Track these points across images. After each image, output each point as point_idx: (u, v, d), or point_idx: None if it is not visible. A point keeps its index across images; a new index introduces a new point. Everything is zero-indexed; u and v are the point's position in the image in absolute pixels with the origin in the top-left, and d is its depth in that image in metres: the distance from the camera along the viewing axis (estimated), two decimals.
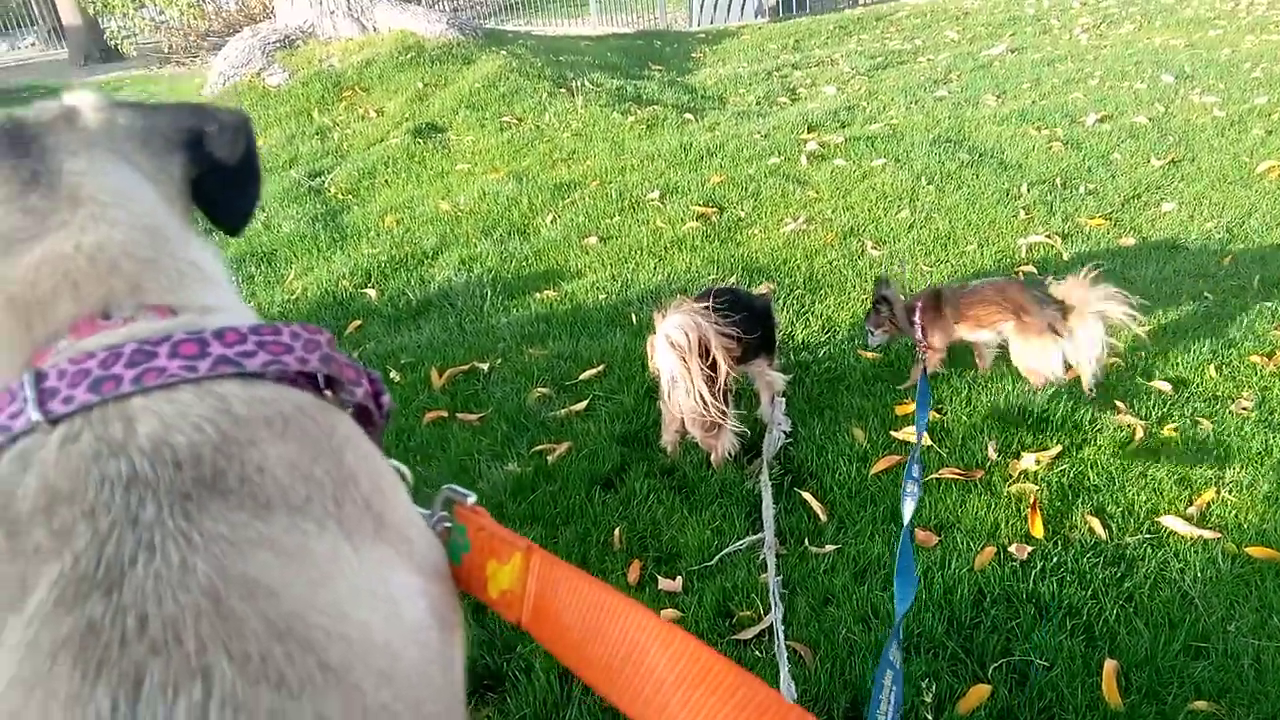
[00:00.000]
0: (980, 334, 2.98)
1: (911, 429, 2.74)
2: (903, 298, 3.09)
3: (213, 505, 0.65)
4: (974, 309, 2.94)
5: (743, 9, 11.73)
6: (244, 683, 0.57)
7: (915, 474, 2.24)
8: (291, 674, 0.59)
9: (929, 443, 2.68)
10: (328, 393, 0.82)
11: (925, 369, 2.85)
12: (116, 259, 0.80)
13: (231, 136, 0.97)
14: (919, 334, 2.98)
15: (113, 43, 14.50)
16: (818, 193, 4.96)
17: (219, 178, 0.97)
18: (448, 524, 0.93)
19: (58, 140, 0.87)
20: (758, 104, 7.08)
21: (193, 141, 0.95)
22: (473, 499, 0.94)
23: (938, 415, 2.84)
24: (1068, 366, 2.80)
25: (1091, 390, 2.81)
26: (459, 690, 0.72)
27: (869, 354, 3.22)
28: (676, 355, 2.43)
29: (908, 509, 2.13)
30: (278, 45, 8.56)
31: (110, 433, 0.68)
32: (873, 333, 3.12)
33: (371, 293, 4.28)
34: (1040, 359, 2.81)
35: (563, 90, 7.29)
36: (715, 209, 4.86)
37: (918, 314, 2.99)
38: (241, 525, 0.65)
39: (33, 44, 19.97)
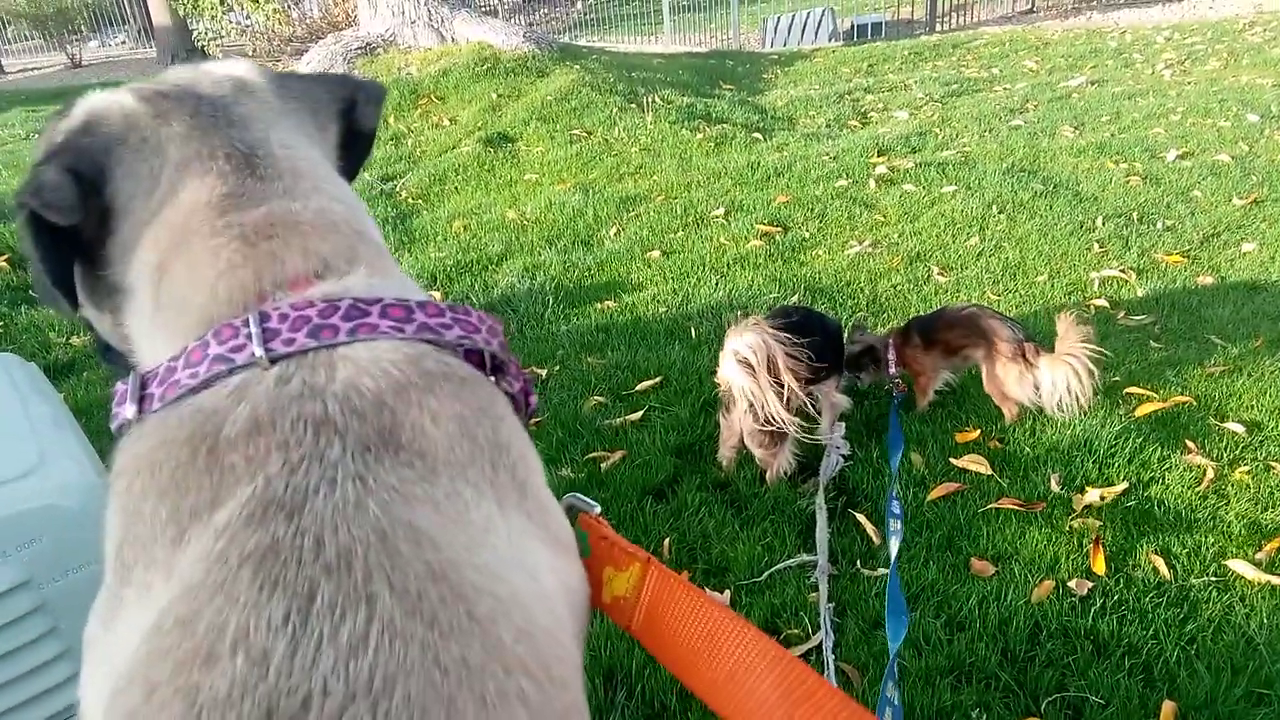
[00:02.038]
0: (952, 361, 2.98)
1: (971, 456, 2.70)
2: (872, 335, 3.12)
3: (386, 459, 0.70)
4: (944, 332, 2.94)
5: (817, 32, 11.73)
6: (402, 613, 0.61)
7: (896, 510, 2.23)
8: (444, 615, 0.62)
9: (988, 472, 2.64)
10: (492, 378, 0.87)
11: (897, 409, 2.87)
12: (337, 223, 0.85)
13: (375, 109, 1.03)
14: (892, 367, 3.00)
15: (200, 44, 15.01)
16: (885, 216, 4.92)
17: (349, 142, 1.03)
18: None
19: (248, 111, 0.91)
20: (827, 126, 7.06)
21: (346, 110, 1.01)
22: (598, 510, 0.97)
23: (999, 445, 2.79)
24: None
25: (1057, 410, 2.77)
26: (579, 661, 0.75)
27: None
28: (744, 372, 2.45)
29: (894, 546, 2.12)
30: (359, 52, 8.80)
31: (315, 377, 0.73)
32: (858, 377, 3.11)
33: (437, 295, 4.36)
34: (1010, 385, 2.79)
35: (633, 106, 7.36)
36: (780, 228, 4.86)
37: (891, 347, 3.00)
38: (409, 481, 0.70)
39: (123, 42, 20.82)
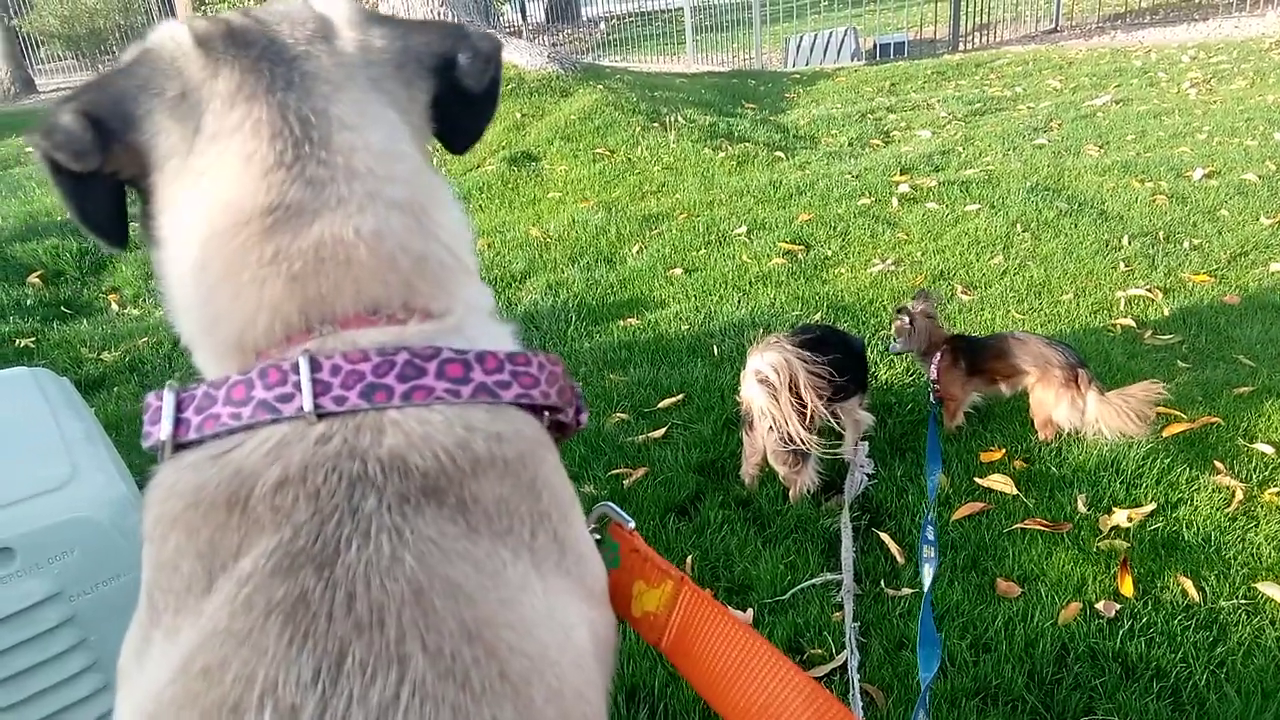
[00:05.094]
0: (995, 388, 2.97)
1: (996, 476, 2.69)
2: (932, 320, 3.05)
3: (428, 511, 0.68)
4: (991, 363, 2.92)
5: (839, 51, 11.76)
6: (434, 676, 0.60)
7: (930, 537, 2.21)
8: (476, 676, 0.61)
9: (1014, 491, 2.62)
10: (545, 413, 0.84)
11: (935, 420, 2.84)
12: (393, 253, 0.78)
13: (483, 66, 0.89)
14: (933, 375, 2.96)
15: None
16: (908, 235, 4.91)
17: (459, 100, 0.90)
18: (597, 538, 0.96)
19: (318, 68, 0.81)
20: (850, 145, 7.07)
21: (444, 67, 0.88)
22: (632, 524, 0.97)
23: (1025, 465, 2.77)
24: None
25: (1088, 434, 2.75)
26: (604, 712, 0.75)
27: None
28: (765, 391, 2.45)
29: (927, 575, 2.10)
30: None
31: (359, 440, 0.70)
32: (895, 340, 3.10)
33: None
34: (1059, 411, 2.77)
35: (656, 125, 7.41)
36: (802, 246, 4.86)
37: (935, 364, 2.97)
38: (450, 536, 0.68)
39: None
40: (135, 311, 4.95)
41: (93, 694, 1.62)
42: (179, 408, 0.74)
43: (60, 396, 2.04)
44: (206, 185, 0.76)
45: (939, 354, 2.97)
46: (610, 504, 0.97)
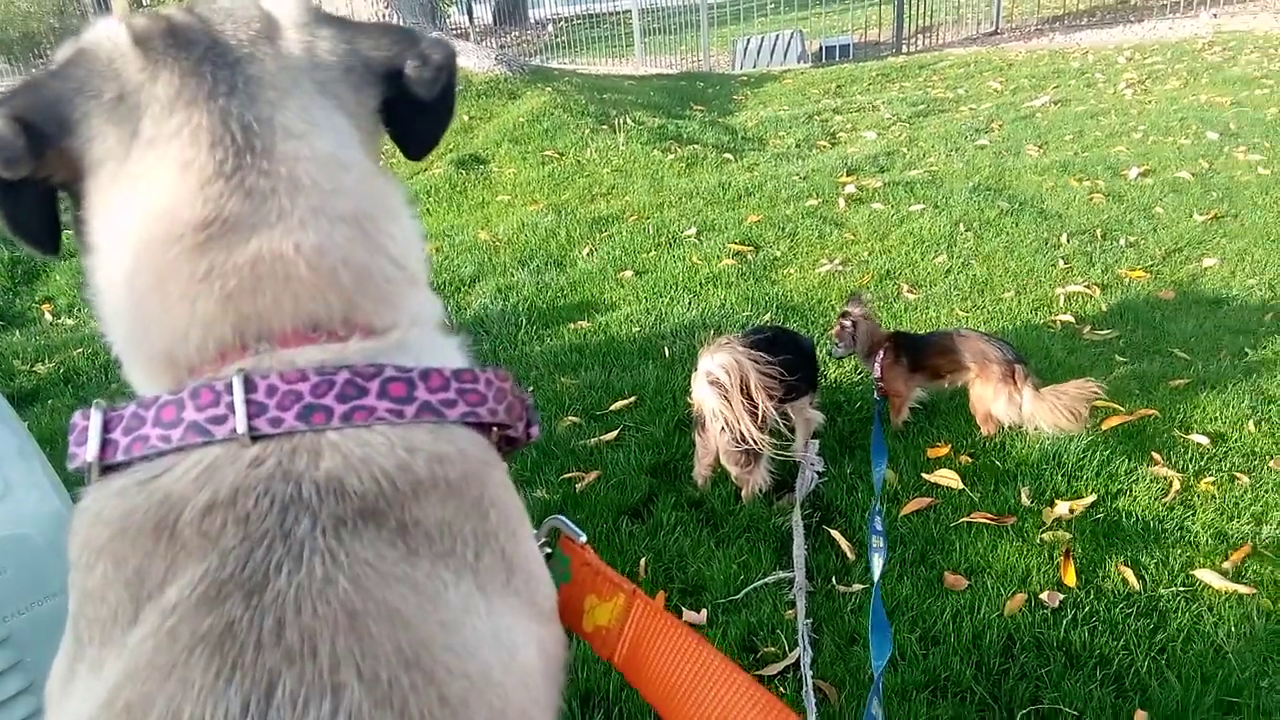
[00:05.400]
0: (937, 384, 3.03)
1: (943, 471, 2.73)
2: (871, 321, 3.11)
3: (366, 533, 0.66)
4: (933, 359, 2.98)
5: (785, 54, 11.86)
6: (371, 704, 0.58)
7: (879, 527, 2.24)
8: (414, 703, 0.60)
9: (960, 486, 2.66)
10: (494, 430, 0.82)
11: (880, 421, 2.88)
12: (335, 268, 0.75)
13: (433, 75, 0.84)
14: (877, 373, 3.01)
15: None
16: (855, 235, 4.97)
17: (412, 106, 0.86)
18: (548, 551, 0.95)
19: (262, 71, 0.77)
20: (797, 146, 7.14)
21: (393, 73, 0.84)
22: (584, 539, 0.95)
23: (970, 459, 2.82)
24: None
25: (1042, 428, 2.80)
26: None
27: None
28: (717, 393, 2.46)
29: (877, 565, 2.13)
30: None
31: (294, 463, 0.68)
32: (837, 344, 3.13)
33: None
34: (997, 405, 2.82)
35: (605, 127, 7.40)
36: (751, 248, 4.89)
37: (879, 360, 3.01)
38: (389, 560, 0.66)
39: None
40: (70, 322, 4.81)
41: (29, 717, 1.57)
42: (106, 428, 0.71)
43: None
44: (142, 192, 0.74)
45: (881, 352, 3.01)
46: (561, 517, 0.96)
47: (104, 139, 0.74)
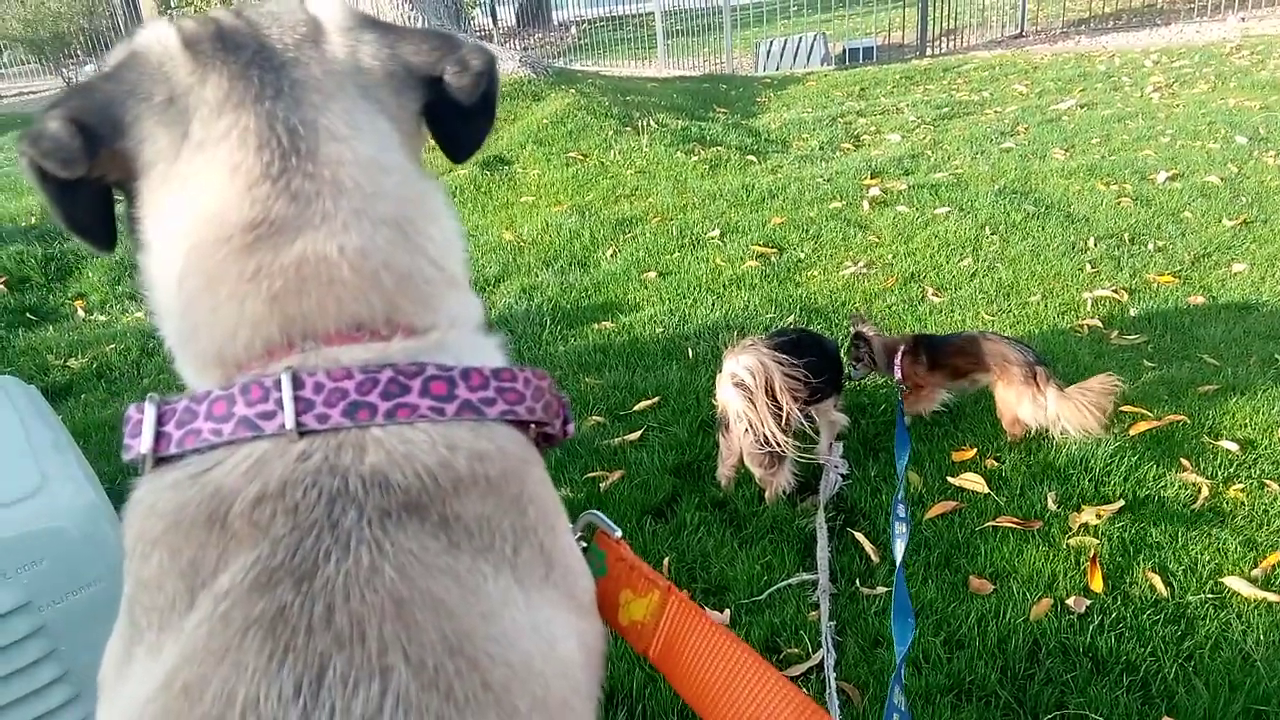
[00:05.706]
0: (957, 384, 3.01)
1: (968, 475, 2.72)
2: (881, 335, 3.11)
3: (410, 526, 0.68)
4: (952, 358, 2.96)
5: (809, 56, 11.84)
6: (418, 687, 0.60)
7: (901, 513, 2.24)
8: (459, 688, 0.62)
9: (985, 490, 2.65)
10: (532, 426, 0.84)
11: (903, 412, 2.88)
12: (377, 271, 0.76)
13: (472, 81, 0.85)
14: (898, 375, 3.00)
15: None
16: (879, 238, 4.96)
17: (453, 111, 0.88)
18: (584, 545, 0.96)
19: (307, 75, 0.79)
20: (821, 149, 7.13)
21: (433, 79, 0.85)
22: (619, 533, 0.97)
23: (996, 463, 2.81)
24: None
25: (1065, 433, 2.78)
26: (593, 718, 0.75)
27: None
28: (742, 395, 2.46)
29: (899, 549, 2.13)
30: None
31: (340, 458, 0.70)
32: (854, 366, 3.13)
33: None
34: (1023, 409, 2.80)
35: (628, 129, 7.42)
36: (775, 249, 4.89)
37: (899, 358, 3.00)
38: (432, 551, 0.68)
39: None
40: (102, 318, 4.88)
41: (63, 705, 1.60)
42: (160, 421, 0.73)
43: (28, 405, 2.02)
44: (192, 193, 0.76)
45: (899, 353, 3.01)
46: (597, 512, 0.97)
47: (155, 141, 0.77)
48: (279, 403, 0.70)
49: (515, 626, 0.69)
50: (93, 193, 0.79)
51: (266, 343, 0.75)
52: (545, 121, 7.49)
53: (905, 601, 1.83)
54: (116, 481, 2.38)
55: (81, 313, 4.97)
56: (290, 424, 0.70)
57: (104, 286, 5.19)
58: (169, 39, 0.78)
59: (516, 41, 16.11)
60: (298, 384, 0.71)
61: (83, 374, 3.97)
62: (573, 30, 16.72)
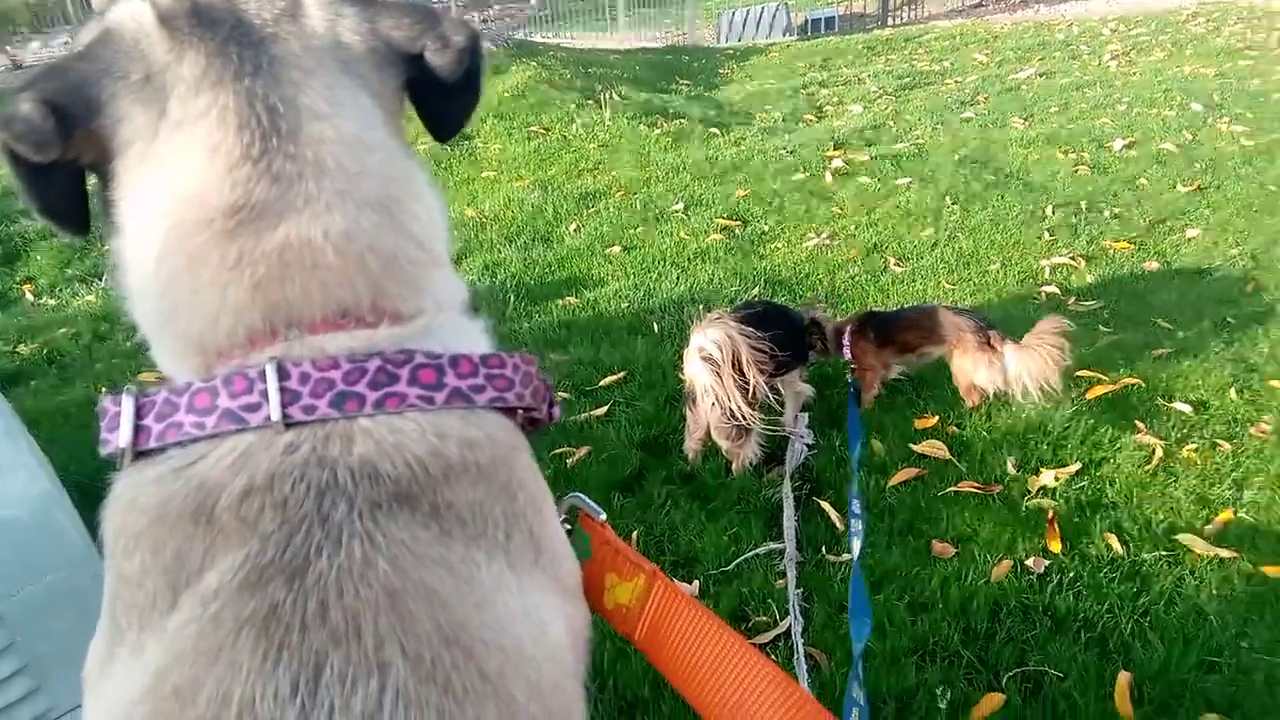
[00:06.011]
0: (907, 358, 3.02)
1: (930, 441, 2.76)
2: (832, 322, 3.12)
3: (401, 516, 0.67)
4: (903, 334, 2.97)
5: (771, 27, 11.80)
6: (416, 681, 0.60)
7: (856, 509, 2.24)
8: (457, 680, 0.61)
9: (947, 456, 2.69)
10: (519, 412, 0.83)
11: (855, 395, 2.89)
12: (363, 254, 0.75)
13: (454, 58, 0.82)
14: (847, 355, 3.01)
15: None
16: (842, 209, 4.99)
17: (436, 87, 0.85)
18: (568, 528, 0.95)
19: (286, 51, 0.77)
20: (784, 120, 7.12)
21: (414, 55, 0.83)
22: (603, 516, 0.96)
23: (957, 430, 2.85)
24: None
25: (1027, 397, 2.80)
26: (584, 707, 0.75)
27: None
28: (709, 368, 2.47)
29: (855, 546, 2.14)
30: None
31: (328, 449, 0.68)
32: (809, 354, 3.12)
33: None
34: (979, 375, 2.83)
35: (590, 102, 7.37)
36: (739, 222, 4.90)
37: (847, 337, 3.01)
38: (424, 541, 0.67)
39: (66, 43, 20.24)
40: (51, 302, 4.78)
41: (24, 697, 1.57)
42: (138, 414, 0.71)
43: None
44: (170, 173, 0.73)
45: (846, 332, 3.02)
46: (581, 495, 0.96)
47: (132, 120, 0.74)
48: (264, 394, 0.69)
49: (508, 612, 0.69)
50: (66, 175, 0.77)
51: (249, 330, 0.72)
52: (506, 95, 7.41)
53: (863, 601, 1.86)
54: (70, 469, 2.35)
55: (30, 297, 4.85)
56: (276, 416, 0.68)
57: (53, 270, 5.07)
58: (144, 15, 0.76)
59: (475, 13, 15.87)
60: (283, 374, 0.69)
61: (33, 360, 3.89)
62: (532, 1, 16.50)
